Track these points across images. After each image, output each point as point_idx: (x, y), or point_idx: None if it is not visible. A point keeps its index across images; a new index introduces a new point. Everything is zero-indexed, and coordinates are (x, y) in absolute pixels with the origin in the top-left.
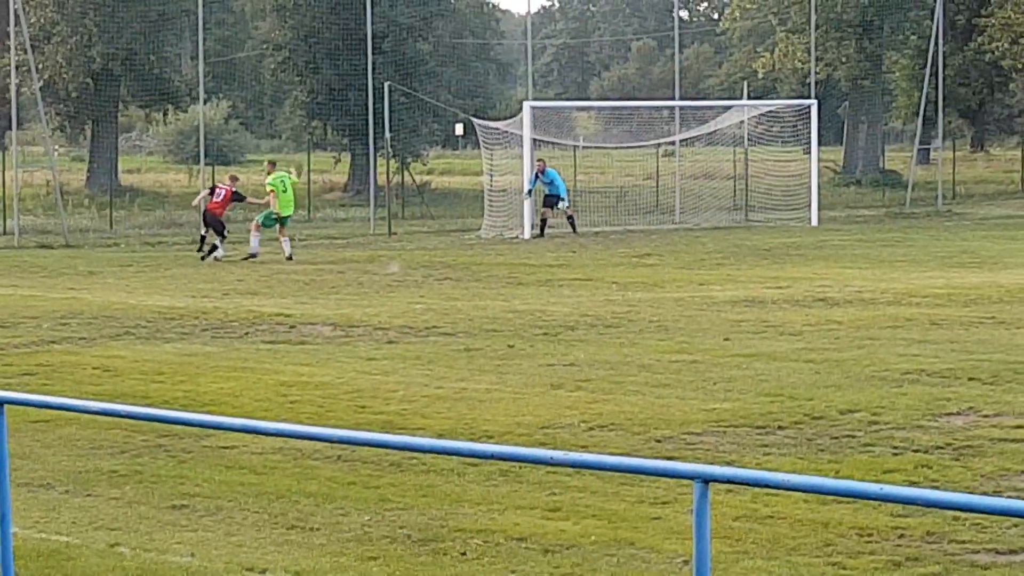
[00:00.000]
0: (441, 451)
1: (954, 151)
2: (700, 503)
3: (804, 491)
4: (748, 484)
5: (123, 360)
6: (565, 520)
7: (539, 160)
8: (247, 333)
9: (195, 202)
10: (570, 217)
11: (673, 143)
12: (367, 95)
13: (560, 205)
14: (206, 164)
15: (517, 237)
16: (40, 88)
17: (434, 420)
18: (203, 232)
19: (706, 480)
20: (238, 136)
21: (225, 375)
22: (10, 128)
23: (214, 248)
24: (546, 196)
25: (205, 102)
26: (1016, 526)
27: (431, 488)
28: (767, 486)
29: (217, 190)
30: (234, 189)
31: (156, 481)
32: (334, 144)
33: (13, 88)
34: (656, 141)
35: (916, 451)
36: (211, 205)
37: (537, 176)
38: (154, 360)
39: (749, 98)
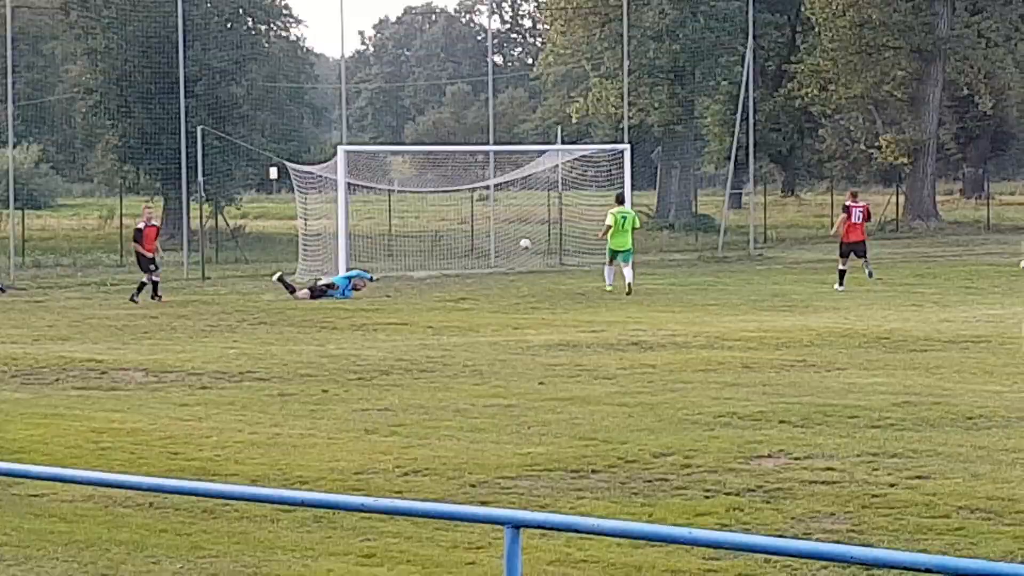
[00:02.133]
0: (252, 498)
1: (765, 196)
2: (511, 548)
3: (615, 536)
4: (559, 529)
5: None
6: (380, 566)
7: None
8: (57, 379)
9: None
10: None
11: (488, 187)
12: (180, 139)
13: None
14: (16, 208)
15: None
16: None
17: (248, 466)
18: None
19: (517, 525)
20: (49, 180)
21: (35, 422)
22: None
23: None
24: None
25: (15, 145)
26: (826, 568)
27: (244, 535)
28: (578, 531)
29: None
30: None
31: None
32: (147, 188)
33: None
34: (471, 185)
35: (728, 494)
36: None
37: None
38: None
39: (563, 143)
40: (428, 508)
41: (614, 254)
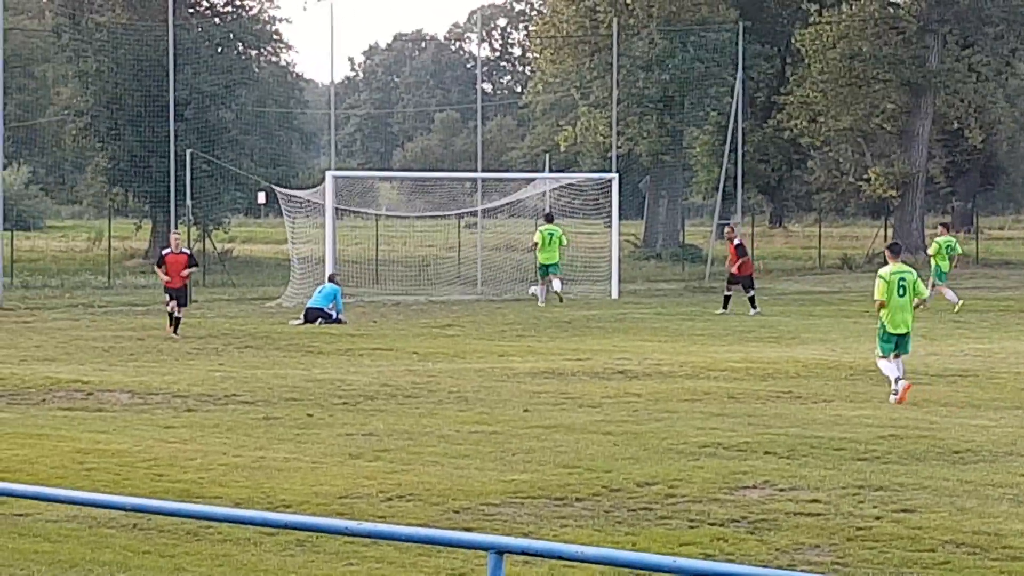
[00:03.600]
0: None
1: (753, 227)
2: (494, 574)
3: (597, 563)
4: (542, 556)
5: None
6: None
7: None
8: (43, 400)
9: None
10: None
11: (475, 214)
12: (169, 162)
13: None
14: (5, 229)
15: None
16: None
17: (232, 489)
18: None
19: (500, 551)
20: (38, 201)
21: (20, 442)
22: None
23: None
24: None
25: (5, 167)
26: None
27: (227, 557)
28: (560, 558)
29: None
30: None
31: None
32: (135, 211)
33: None
34: (458, 212)
35: (712, 524)
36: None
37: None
38: None
39: (551, 171)
40: (411, 533)
41: (544, 268)
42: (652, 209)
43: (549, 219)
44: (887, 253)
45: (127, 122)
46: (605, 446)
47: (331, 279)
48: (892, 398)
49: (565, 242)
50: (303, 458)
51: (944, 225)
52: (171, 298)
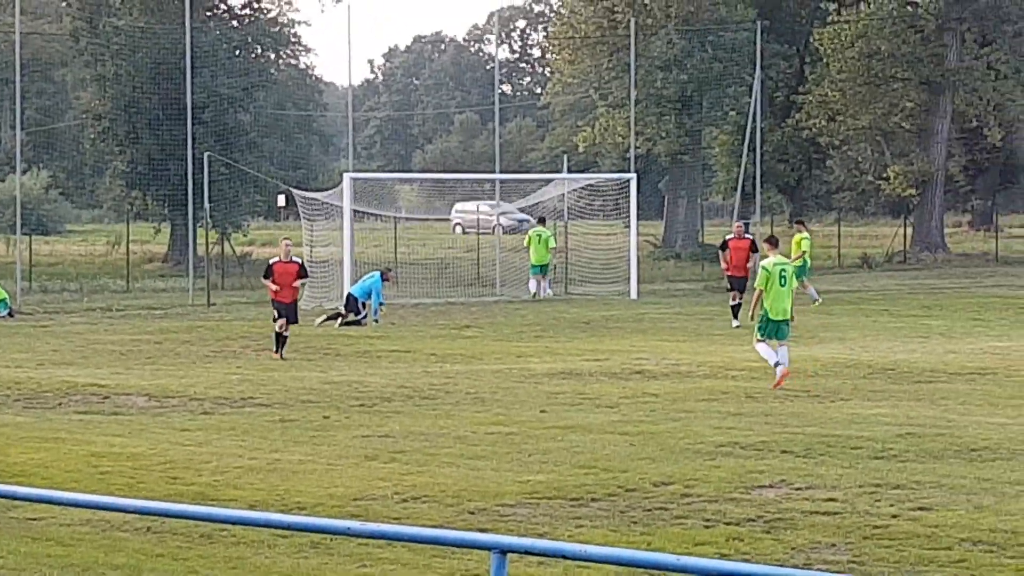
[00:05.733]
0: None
1: (772, 226)
2: (497, 573)
3: (602, 562)
4: (544, 555)
5: None
6: None
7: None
8: (60, 404)
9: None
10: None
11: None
12: (187, 165)
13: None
14: (23, 234)
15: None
16: None
17: (246, 491)
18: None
19: (503, 551)
20: (58, 206)
21: (36, 446)
22: None
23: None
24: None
25: (24, 172)
26: None
27: (241, 560)
28: (564, 557)
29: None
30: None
31: None
32: (154, 214)
33: None
34: (476, 214)
35: (728, 523)
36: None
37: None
38: None
39: (570, 172)
40: (415, 533)
41: (536, 267)
42: (671, 209)
43: (541, 221)
44: (766, 246)
45: (145, 125)
46: (622, 446)
47: (383, 274)
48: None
49: (553, 244)
50: (318, 460)
51: (799, 222)
52: (279, 315)
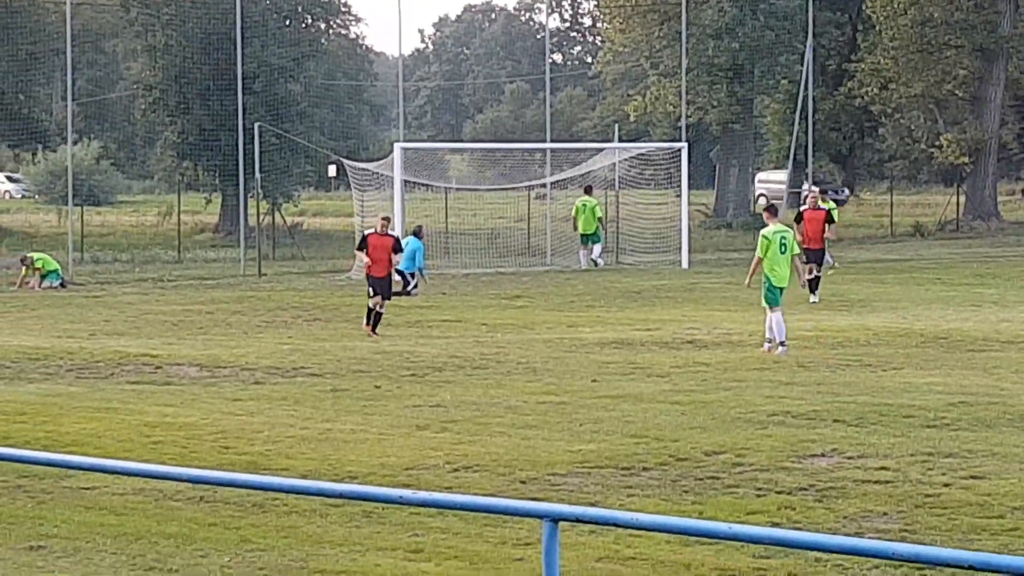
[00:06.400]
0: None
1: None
2: (549, 542)
3: (653, 531)
4: (596, 523)
5: None
6: (427, 561)
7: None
8: (112, 374)
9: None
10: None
11: (545, 185)
12: (238, 136)
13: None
14: (75, 204)
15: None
16: None
17: (298, 461)
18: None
19: (555, 519)
20: (109, 177)
21: (88, 416)
22: None
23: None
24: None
25: (76, 143)
26: (877, 567)
27: (293, 529)
28: (616, 525)
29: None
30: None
31: (13, 522)
32: (205, 185)
33: None
34: (528, 183)
35: (780, 492)
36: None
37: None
38: (17, 401)
39: (621, 141)
40: (466, 501)
41: (584, 237)
42: (722, 178)
43: (588, 191)
44: (766, 215)
45: (196, 96)
46: (673, 415)
47: (415, 233)
48: (776, 349)
49: (599, 213)
50: (370, 430)
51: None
52: (375, 291)
